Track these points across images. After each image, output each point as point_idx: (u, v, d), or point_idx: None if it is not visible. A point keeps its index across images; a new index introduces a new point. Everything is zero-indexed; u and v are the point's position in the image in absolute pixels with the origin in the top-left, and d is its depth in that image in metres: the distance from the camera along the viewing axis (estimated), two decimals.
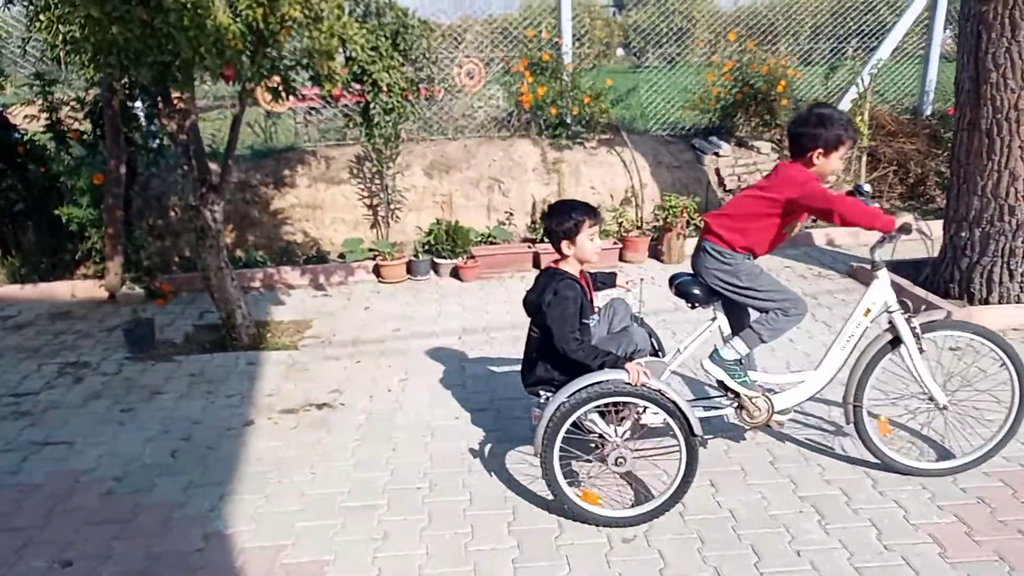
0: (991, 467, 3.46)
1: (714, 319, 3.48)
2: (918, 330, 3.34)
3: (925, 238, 3.23)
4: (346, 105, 7.14)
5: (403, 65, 5.05)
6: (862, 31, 8.78)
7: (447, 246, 6.37)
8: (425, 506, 3.30)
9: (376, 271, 6.39)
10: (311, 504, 3.34)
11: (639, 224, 7.16)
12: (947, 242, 5.43)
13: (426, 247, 6.50)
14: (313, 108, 7.71)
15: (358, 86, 5.01)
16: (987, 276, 5.17)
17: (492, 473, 3.53)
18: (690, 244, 6.67)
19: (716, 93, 7.73)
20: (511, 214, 7.11)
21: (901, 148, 8.10)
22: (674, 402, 3.03)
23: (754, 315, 3.50)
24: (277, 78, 4.41)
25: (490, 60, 8.23)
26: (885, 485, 3.36)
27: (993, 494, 3.27)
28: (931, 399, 3.42)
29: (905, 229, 3.06)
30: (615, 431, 3.15)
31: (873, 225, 3.09)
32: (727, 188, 7.58)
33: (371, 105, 5.03)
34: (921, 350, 3.33)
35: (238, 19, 3.79)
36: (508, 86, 7.86)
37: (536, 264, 6.48)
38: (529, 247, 6.58)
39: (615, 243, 6.58)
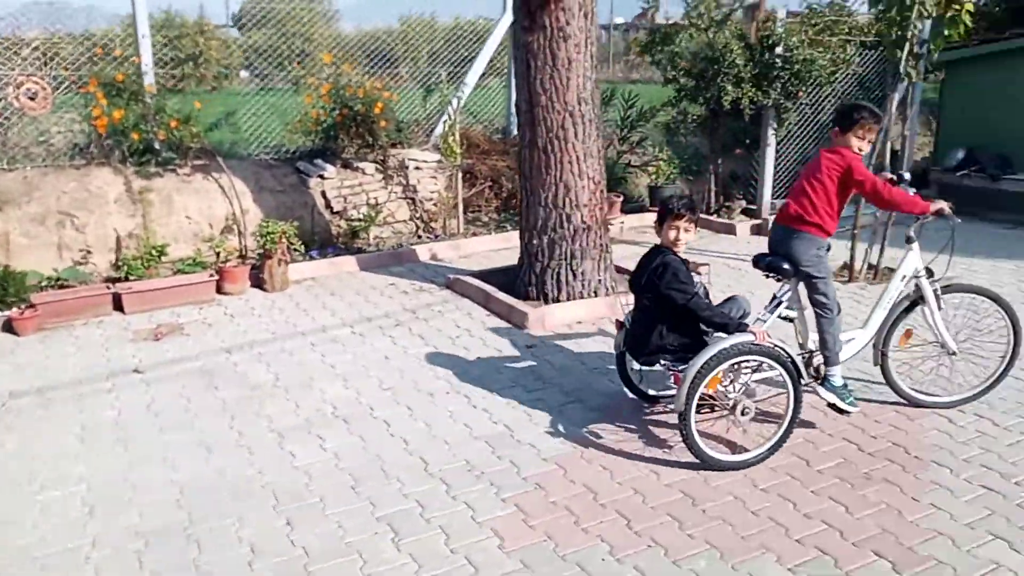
0: (550, 452, 3.79)
1: (785, 292, 3.99)
2: (939, 291, 4.08)
3: (952, 221, 3.93)
4: None
5: None
6: (475, 57, 9.35)
7: None
8: None
9: None
10: None
11: (243, 253, 6.80)
12: (523, 249, 5.95)
13: None
14: None
15: None
16: (556, 278, 5.77)
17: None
18: (294, 269, 6.51)
19: (315, 115, 7.65)
20: (88, 252, 6.26)
21: (494, 165, 8.81)
22: (790, 356, 3.63)
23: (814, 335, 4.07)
24: None
25: (62, 80, 7.23)
26: (458, 489, 3.48)
27: (548, 478, 3.57)
28: (943, 347, 4.17)
29: (941, 213, 3.87)
30: (733, 387, 3.68)
31: (913, 209, 3.87)
32: (334, 210, 7.55)
33: None
34: (940, 307, 4.08)
35: None
36: (82, 109, 6.95)
37: (118, 306, 5.76)
38: (108, 287, 5.82)
39: (211, 276, 6.12)
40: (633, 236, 8.24)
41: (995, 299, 4.18)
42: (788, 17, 8.17)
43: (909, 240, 4.11)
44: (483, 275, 6.35)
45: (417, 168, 8.21)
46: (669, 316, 3.71)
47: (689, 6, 7.86)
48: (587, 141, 5.60)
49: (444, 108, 8.70)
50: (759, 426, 3.87)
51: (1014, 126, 8.61)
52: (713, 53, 7.79)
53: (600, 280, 5.87)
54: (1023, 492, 3.43)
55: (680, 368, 3.61)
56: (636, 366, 4.02)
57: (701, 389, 3.50)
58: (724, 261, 7.17)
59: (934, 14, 5.72)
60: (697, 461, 3.61)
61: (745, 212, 8.65)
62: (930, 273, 4.11)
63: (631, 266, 6.65)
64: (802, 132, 8.80)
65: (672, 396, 3.70)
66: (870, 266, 6.50)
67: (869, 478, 3.56)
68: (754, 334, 3.57)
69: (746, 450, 3.71)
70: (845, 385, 4.04)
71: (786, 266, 3.93)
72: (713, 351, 3.50)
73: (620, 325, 4.09)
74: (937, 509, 3.32)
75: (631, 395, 4.21)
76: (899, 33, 5.72)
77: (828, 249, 4.02)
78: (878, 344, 4.16)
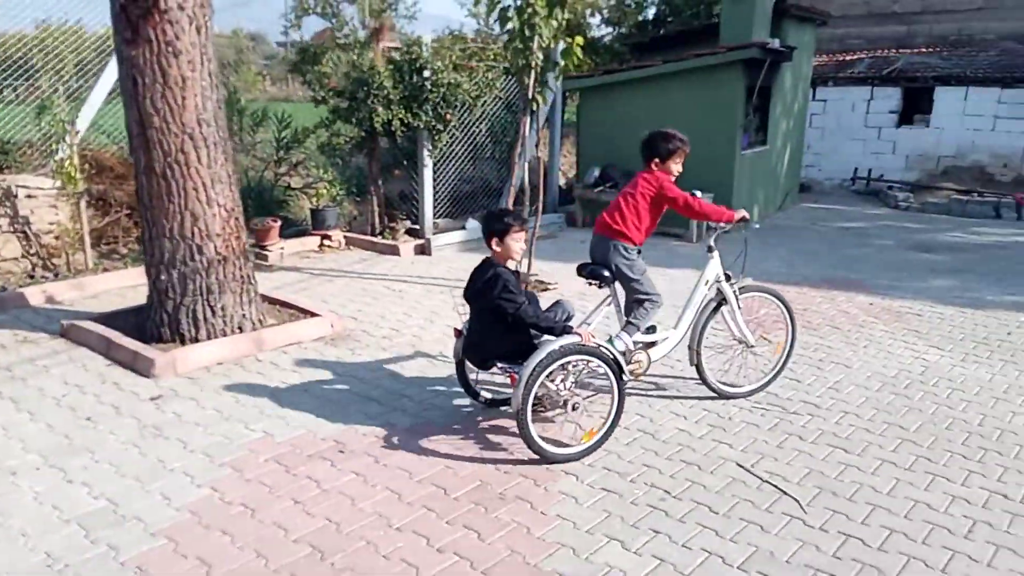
0: (160, 524, 3.28)
1: (609, 297, 4.47)
2: (737, 293, 4.50)
3: (750, 228, 4.52)
4: None
5: None
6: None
7: None
8: None
9: None
10: None
11: None
12: (152, 286, 5.27)
13: None
14: None
15: None
16: (192, 316, 5.20)
17: None
18: None
19: None
20: None
21: (133, 191, 7.84)
22: (613, 356, 3.92)
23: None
24: None
25: None
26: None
27: (152, 558, 3.06)
28: (742, 342, 4.61)
29: (744, 219, 4.37)
30: (563, 385, 3.91)
31: (720, 218, 4.31)
32: None
33: None
34: (739, 307, 4.53)
35: None
36: None
37: None
38: None
39: None
40: (295, 262, 7.85)
41: (778, 297, 4.75)
42: (434, 42, 8.38)
43: (710, 249, 4.52)
44: (107, 318, 5.54)
45: (30, 196, 7.04)
46: (502, 323, 3.89)
47: (334, 26, 7.70)
48: (214, 166, 5.11)
49: (60, 127, 7.55)
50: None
51: (635, 146, 9.71)
52: (361, 74, 7.70)
53: (244, 315, 5.41)
54: (637, 489, 3.66)
55: (515, 370, 3.79)
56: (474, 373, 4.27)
57: (535, 388, 3.69)
58: (386, 284, 7.08)
59: (552, 46, 6.15)
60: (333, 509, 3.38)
61: (410, 232, 8.69)
62: (728, 277, 4.51)
63: (291, 294, 6.31)
64: (460, 152, 9.09)
65: (508, 399, 3.98)
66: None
67: (503, 498, 3.58)
68: (579, 335, 3.82)
69: (570, 445, 3.93)
70: (624, 353, 4.32)
71: (605, 272, 4.35)
72: (543, 353, 3.72)
73: (458, 333, 4.27)
74: (563, 520, 3.41)
75: (471, 401, 4.41)
76: (523, 62, 6.06)
77: (639, 253, 4.43)
78: (692, 344, 4.52)
